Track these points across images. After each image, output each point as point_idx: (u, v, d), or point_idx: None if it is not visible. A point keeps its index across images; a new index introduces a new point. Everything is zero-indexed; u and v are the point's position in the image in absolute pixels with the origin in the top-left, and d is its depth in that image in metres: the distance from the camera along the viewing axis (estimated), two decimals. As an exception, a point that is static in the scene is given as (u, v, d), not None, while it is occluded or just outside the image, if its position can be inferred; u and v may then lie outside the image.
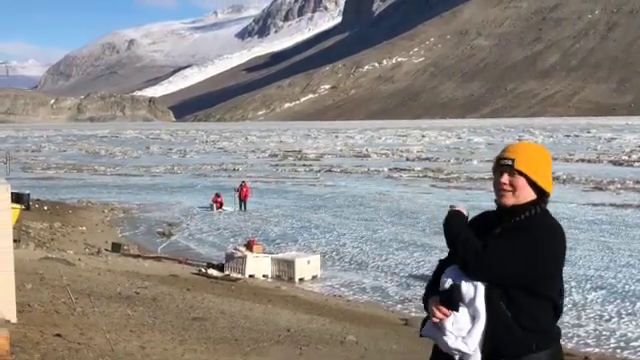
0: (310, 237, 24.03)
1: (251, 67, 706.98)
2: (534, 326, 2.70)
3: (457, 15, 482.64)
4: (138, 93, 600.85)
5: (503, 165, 2.84)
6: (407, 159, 65.68)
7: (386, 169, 53.44)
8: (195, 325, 10.18)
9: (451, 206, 2.95)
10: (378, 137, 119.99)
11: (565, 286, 2.85)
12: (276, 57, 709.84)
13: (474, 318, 2.67)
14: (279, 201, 35.05)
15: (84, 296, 10.84)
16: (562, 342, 2.88)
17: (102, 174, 56.45)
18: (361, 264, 19.63)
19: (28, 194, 28.47)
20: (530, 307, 2.69)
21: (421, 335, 2.85)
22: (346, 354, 9.78)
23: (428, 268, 17.99)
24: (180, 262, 19.60)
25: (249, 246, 18.69)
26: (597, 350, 12.10)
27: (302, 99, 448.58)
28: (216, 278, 17.14)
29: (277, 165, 61.75)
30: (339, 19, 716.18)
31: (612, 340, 12.59)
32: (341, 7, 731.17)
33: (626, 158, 59.29)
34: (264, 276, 18.27)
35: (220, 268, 18.36)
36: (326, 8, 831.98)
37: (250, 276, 17.97)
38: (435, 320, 2.70)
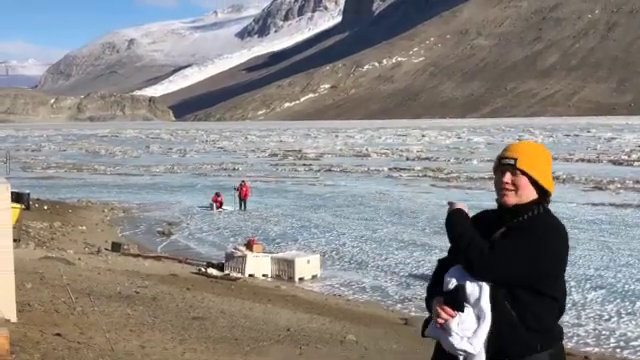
0: (310, 236, 24.04)
1: (251, 67, 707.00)
2: (539, 326, 2.70)
3: (457, 15, 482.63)
4: (138, 93, 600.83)
5: (505, 164, 2.84)
6: (407, 159, 65.67)
7: (386, 169, 53.43)
8: (195, 324, 10.18)
9: (450, 203, 2.93)
10: (378, 137, 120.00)
11: (564, 286, 2.85)
12: (276, 57, 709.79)
13: (479, 318, 2.66)
14: (279, 200, 35.05)
15: (84, 295, 10.84)
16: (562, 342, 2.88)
17: (102, 173, 56.45)
18: (361, 263, 19.63)
19: (28, 193, 28.49)
20: (534, 307, 2.69)
21: (424, 336, 2.83)
22: (346, 353, 9.78)
23: (428, 267, 17.99)
24: (180, 261, 19.60)
25: (249, 245, 18.69)
26: (597, 350, 12.10)
27: (302, 99, 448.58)
28: (216, 277, 17.14)
29: (277, 165, 61.74)
30: (339, 19, 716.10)
31: (612, 340, 12.60)
32: (341, 7, 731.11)
33: (626, 158, 59.27)
34: (264, 275, 18.27)
35: (220, 267, 18.36)
36: (326, 8, 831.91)
37: (250, 275, 17.97)
38: (440, 321, 2.69)
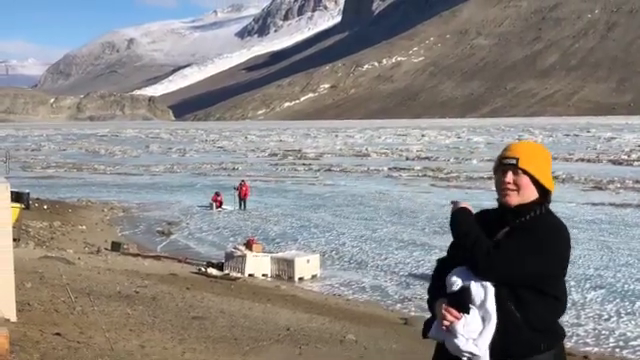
0: (310, 236, 24.03)
1: (251, 66, 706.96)
2: (542, 326, 2.70)
3: (457, 15, 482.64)
4: (138, 92, 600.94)
5: (506, 164, 2.83)
6: (407, 158, 65.65)
7: (386, 168, 53.42)
8: (194, 324, 10.18)
9: (454, 202, 2.91)
10: (378, 136, 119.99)
11: (565, 285, 2.85)
12: (276, 56, 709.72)
13: (484, 320, 2.65)
14: (279, 200, 35.05)
15: (84, 295, 10.84)
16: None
17: (102, 173, 56.45)
18: (361, 263, 19.62)
19: (28, 193, 28.50)
20: (538, 307, 2.69)
21: (426, 337, 2.82)
22: (345, 353, 9.77)
23: (428, 267, 17.99)
24: (180, 261, 19.60)
25: (249, 245, 18.69)
26: (596, 349, 12.10)
27: (302, 98, 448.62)
28: (215, 277, 17.14)
29: (277, 164, 61.73)
30: (339, 18, 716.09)
31: (611, 339, 12.59)
32: (341, 6, 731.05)
33: (625, 157, 59.26)
34: (263, 275, 18.27)
35: (220, 267, 18.36)
36: (326, 7, 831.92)
37: (249, 275, 17.97)
38: (446, 323, 2.67)
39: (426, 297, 2.95)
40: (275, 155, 75.18)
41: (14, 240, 10.75)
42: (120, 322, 9.46)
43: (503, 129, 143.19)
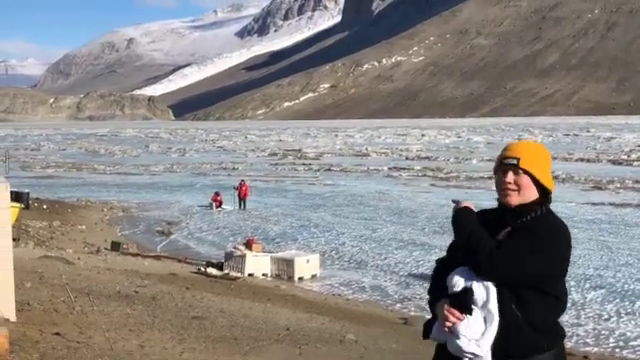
0: (309, 236, 24.03)
1: (250, 66, 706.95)
2: (543, 326, 2.70)
3: (457, 14, 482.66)
4: (137, 92, 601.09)
5: (507, 164, 2.83)
6: (406, 158, 65.64)
7: (385, 168, 53.42)
8: (194, 324, 10.17)
9: (455, 201, 2.89)
10: (377, 136, 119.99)
11: (565, 285, 2.85)
12: (276, 56, 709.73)
13: (486, 320, 2.65)
14: (278, 200, 35.05)
15: (83, 295, 10.83)
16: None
17: (101, 173, 56.44)
18: (360, 263, 19.62)
19: (27, 193, 28.50)
20: (539, 307, 2.69)
21: (427, 338, 2.81)
22: (345, 353, 9.77)
23: (427, 267, 17.98)
24: (179, 261, 19.60)
25: (248, 245, 18.68)
26: (596, 349, 12.10)
27: (302, 98, 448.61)
28: (215, 277, 17.14)
29: (276, 164, 61.72)
30: (339, 18, 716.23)
31: (611, 339, 12.59)
32: (341, 6, 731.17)
33: (625, 157, 59.25)
34: (263, 275, 18.26)
35: (219, 267, 18.36)
36: (326, 7, 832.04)
37: (249, 275, 17.97)
38: (449, 324, 2.67)
39: (426, 297, 2.94)
40: (275, 155, 75.18)
41: (14, 240, 10.74)
42: (120, 322, 9.45)
43: (503, 129, 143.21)
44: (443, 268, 2.83)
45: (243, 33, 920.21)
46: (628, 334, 12.87)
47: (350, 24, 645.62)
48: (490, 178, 32.21)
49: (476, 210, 2.88)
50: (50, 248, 19.88)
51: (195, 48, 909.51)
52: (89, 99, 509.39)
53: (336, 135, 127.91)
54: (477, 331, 2.65)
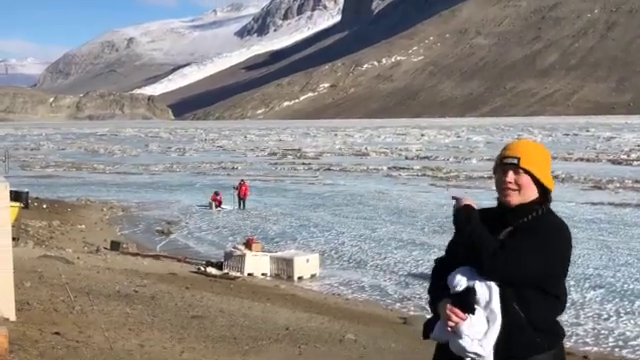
0: (309, 236, 24.03)
1: (250, 65, 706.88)
2: (544, 325, 2.71)
3: (456, 14, 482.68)
4: (137, 91, 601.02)
5: (507, 164, 2.82)
6: (406, 158, 65.66)
7: (385, 168, 53.43)
8: (194, 323, 10.18)
9: (456, 198, 2.87)
10: (377, 136, 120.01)
11: (565, 285, 2.86)
12: (275, 56, 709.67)
13: (489, 320, 2.65)
14: (278, 200, 35.05)
15: (83, 294, 10.83)
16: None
17: (101, 172, 56.42)
18: (360, 263, 19.62)
19: (27, 192, 28.51)
20: (540, 307, 2.69)
21: (428, 338, 2.80)
22: (345, 353, 9.77)
23: (427, 267, 17.98)
24: (179, 260, 19.60)
25: (248, 244, 18.69)
26: (596, 349, 12.11)
27: (301, 98, 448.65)
28: (215, 276, 17.14)
29: (276, 164, 61.73)
30: (338, 18, 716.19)
31: (611, 339, 12.60)
32: (340, 6, 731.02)
33: (625, 157, 59.28)
34: (263, 274, 18.26)
35: (219, 266, 18.36)
36: (325, 7, 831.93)
37: (249, 274, 17.97)
38: (451, 324, 2.66)
39: (425, 297, 2.94)
40: (274, 154, 75.18)
41: (13, 239, 10.75)
42: (119, 321, 9.46)
43: (502, 128, 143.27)
44: (443, 268, 2.83)
45: (243, 33, 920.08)
46: (627, 334, 12.87)
47: (350, 24, 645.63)
48: (490, 178, 32.20)
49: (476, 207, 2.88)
50: (50, 248, 19.87)
51: (195, 48, 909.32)
52: (89, 98, 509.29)
53: (336, 135, 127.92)
54: (480, 331, 2.64)
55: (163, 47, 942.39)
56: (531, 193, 2.81)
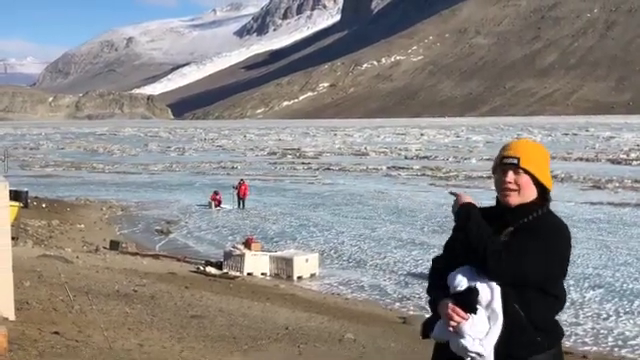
0: (308, 235, 24.03)
1: (250, 65, 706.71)
2: (544, 325, 2.71)
3: (456, 13, 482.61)
4: (136, 91, 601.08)
5: (507, 164, 2.82)
6: (406, 157, 65.68)
7: (384, 167, 53.44)
8: (193, 323, 10.18)
9: (455, 194, 2.86)
10: (377, 135, 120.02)
11: (563, 284, 2.86)
12: (275, 55, 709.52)
13: (490, 320, 2.65)
14: (278, 199, 35.04)
15: (82, 294, 10.83)
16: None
17: (100, 172, 56.40)
18: (359, 262, 19.62)
19: (26, 192, 28.50)
20: (540, 306, 2.70)
21: (427, 337, 2.80)
22: (344, 352, 9.77)
23: (426, 266, 17.97)
24: (178, 260, 19.59)
25: (247, 244, 18.68)
26: (595, 349, 12.11)
27: (301, 97, 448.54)
28: (214, 276, 17.13)
29: (276, 163, 61.72)
30: (338, 17, 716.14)
31: (610, 338, 12.60)
32: (340, 5, 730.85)
33: (624, 157, 59.29)
34: (262, 274, 18.26)
35: (218, 266, 18.36)
36: (325, 6, 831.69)
37: (248, 274, 17.97)
38: (454, 324, 2.66)
39: (425, 296, 2.94)
40: (274, 154, 75.18)
41: (12, 239, 10.74)
42: (119, 321, 9.46)
43: (502, 128, 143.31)
44: (442, 267, 2.82)
45: (242, 32, 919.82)
46: (627, 333, 12.88)
47: (349, 23, 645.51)
48: (489, 177, 32.21)
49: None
50: (49, 247, 19.86)
51: (194, 47, 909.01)
52: (88, 98, 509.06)
53: (335, 134, 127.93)
54: (481, 330, 2.64)
55: (162, 46, 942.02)
56: (531, 193, 2.81)
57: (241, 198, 32.04)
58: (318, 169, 53.96)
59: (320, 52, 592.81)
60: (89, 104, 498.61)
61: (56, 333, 7.78)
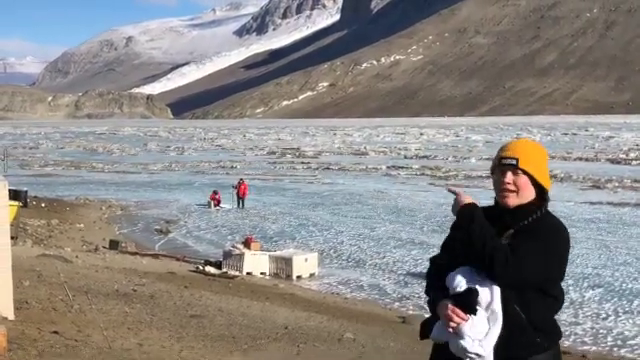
0: (308, 235, 24.03)
1: (249, 65, 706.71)
2: (543, 325, 2.71)
3: (455, 13, 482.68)
4: (136, 90, 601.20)
5: (506, 164, 2.80)
6: (405, 157, 65.70)
7: (384, 167, 53.44)
8: (193, 322, 10.18)
9: (455, 192, 2.85)
10: (376, 135, 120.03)
11: (563, 284, 2.86)
12: (274, 55, 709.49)
13: (490, 320, 2.65)
14: (277, 199, 35.04)
15: (81, 293, 10.82)
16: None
17: (100, 171, 56.38)
18: (359, 262, 19.62)
19: (26, 191, 28.49)
20: (540, 307, 2.70)
21: (426, 338, 2.79)
22: (343, 352, 9.77)
23: (426, 266, 17.67)
24: (178, 259, 19.59)
25: (247, 243, 18.68)
26: (594, 348, 12.10)
27: (300, 97, 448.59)
28: (214, 275, 17.13)
29: (275, 163, 61.72)
30: (337, 17, 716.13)
31: (609, 338, 12.60)
32: (339, 5, 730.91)
33: (624, 156, 59.32)
34: (262, 273, 18.26)
35: (218, 265, 18.35)
36: (324, 6, 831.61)
37: (248, 273, 17.97)
38: (453, 325, 2.65)
39: (424, 296, 2.93)
40: (273, 153, 75.17)
41: (12, 238, 10.74)
42: (118, 320, 9.45)
43: (502, 128, 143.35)
44: (441, 267, 2.82)
45: (242, 32, 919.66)
46: (626, 333, 12.88)
47: (349, 23, 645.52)
48: (488, 177, 32.16)
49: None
50: (48, 246, 19.86)
51: (194, 46, 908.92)
52: (87, 97, 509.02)
53: (335, 134, 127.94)
54: (481, 331, 2.64)
55: (162, 46, 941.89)
56: (529, 194, 2.80)
57: (240, 198, 32.03)
58: (317, 169, 53.95)
59: (319, 52, 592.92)
60: (88, 103, 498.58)
61: (55, 332, 7.78)
